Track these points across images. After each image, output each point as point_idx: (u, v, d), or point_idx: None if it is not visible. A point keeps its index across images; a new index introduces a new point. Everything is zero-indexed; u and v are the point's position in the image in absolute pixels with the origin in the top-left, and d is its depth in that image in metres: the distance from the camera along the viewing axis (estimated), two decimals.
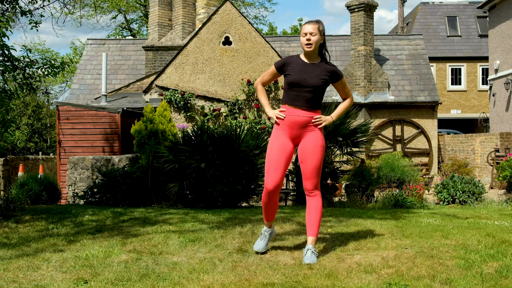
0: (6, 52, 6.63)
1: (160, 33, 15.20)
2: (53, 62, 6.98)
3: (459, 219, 5.72)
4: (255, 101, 13.14)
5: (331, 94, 16.12)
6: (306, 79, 3.79)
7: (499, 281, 3.14)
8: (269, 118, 13.10)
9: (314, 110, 3.86)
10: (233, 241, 4.41)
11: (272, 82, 12.95)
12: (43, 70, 6.90)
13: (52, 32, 71.36)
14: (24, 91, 7.04)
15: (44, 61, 6.98)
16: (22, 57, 7.01)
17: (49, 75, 6.93)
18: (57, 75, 7.10)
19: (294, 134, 3.87)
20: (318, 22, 3.86)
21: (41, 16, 7.54)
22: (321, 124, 3.85)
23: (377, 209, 7.11)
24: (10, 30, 6.68)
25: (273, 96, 13.11)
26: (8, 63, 6.68)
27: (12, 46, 6.78)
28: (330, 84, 3.92)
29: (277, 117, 3.88)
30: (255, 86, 4.11)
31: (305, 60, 3.89)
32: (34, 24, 7.14)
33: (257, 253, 3.93)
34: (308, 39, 3.79)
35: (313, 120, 3.83)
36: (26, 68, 6.99)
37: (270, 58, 13.17)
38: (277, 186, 3.82)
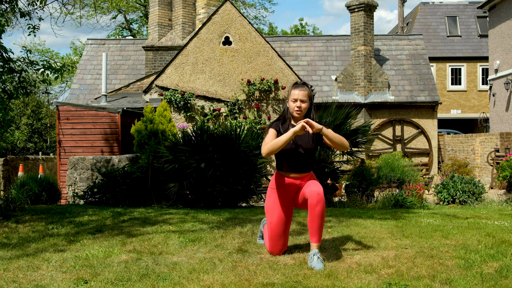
0: (4, 54, 6.61)
1: (160, 33, 15.20)
2: (53, 65, 6.92)
3: (459, 219, 5.72)
4: (255, 101, 13.15)
5: (331, 94, 16.12)
6: (301, 145, 3.86)
7: (499, 281, 3.14)
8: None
9: (308, 172, 3.95)
10: (233, 241, 4.41)
11: (272, 83, 12.97)
12: (42, 70, 6.86)
13: (52, 32, 71.32)
14: (19, 94, 6.99)
15: (43, 62, 6.93)
16: (22, 58, 6.98)
17: (50, 75, 6.88)
18: (58, 78, 7.06)
19: (291, 195, 3.99)
20: (307, 87, 3.93)
21: (40, 19, 7.49)
22: (312, 123, 3.68)
23: (377, 209, 7.11)
24: (4, 29, 6.60)
25: (273, 96, 13.11)
26: (6, 66, 6.65)
27: (10, 49, 6.75)
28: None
29: (302, 127, 3.69)
30: (269, 150, 3.76)
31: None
32: (33, 29, 7.08)
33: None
34: (299, 107, 3.87)
35: (305, 121, 3.70)
36: (22, 72, 6.94)
37: (270, 58, 13.17)
38: (282, 251, 4.01)
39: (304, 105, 3.88)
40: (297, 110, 3.88)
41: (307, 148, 3.88)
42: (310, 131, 3.71)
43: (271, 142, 3.78)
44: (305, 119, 3.72)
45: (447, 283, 3.13)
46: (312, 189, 3.75)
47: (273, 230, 3.93)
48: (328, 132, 3.81)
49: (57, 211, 6.48)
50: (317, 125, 3.72)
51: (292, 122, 3.98)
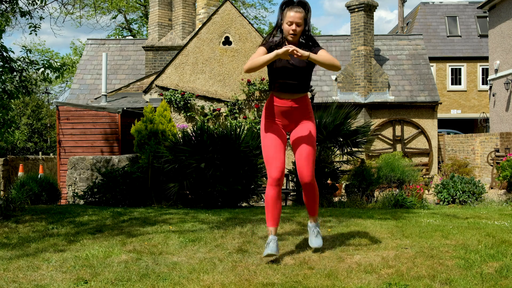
0: (5, 53, 6.61)
1: (160, 33, 15.20)
2: (53, 64, 6.92)
3: (459, 219, 5.72)
4: (255, 101, 13.15)
5: (331, 94, 16.11)
6: (293, 64, 3.73)
7: (499, 281, 3.14)
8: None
9: (302, 95, 3.85)
10: (233, 241, 4.41)
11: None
12: (42, 69, 6.86)
13: (52, 32, 71.25)
14: (20, 94, 7.00)
15: (44, 61, 6.94)
16: (22, 58, 6.98)
17: (50, 74, 6.88)
18: (58, 78, 7.05)
19: (285, 122, 3.89)
20: (303, 8, 3.74)
21: (41, 18, 7.50)
22: (297, 51, 3.54)
23: (377, 209, 7.11)
24: (3, 29, 6.61)
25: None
26: (6, 65, 6.65)
27: (10, 48, 6.75)
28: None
29: (285, 52, 3.55)
30: (249, 66, 3.66)
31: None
32: (34, 28, 7.08)
33: (270, 255, 3.67)
34: (294, 30, 3.73)
35: (292, 49, 3.55)
36: (23, 71, 6.95)
37: None
38: (281, 173, 3.80)
39: (299, 29, 3.73)
40: (291, 34, 3.74)
41: (300, 66, 3.74)
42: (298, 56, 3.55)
43: (253, 59, 3.64)
44: (292, 48, 3.52)
45: (447, 283, 3.13)
46: (301, 165, 3.81)
47: (267, 152, 3.85)
48: (316, 57, 3.64)
49: (57, 211, 6.48)
50: (304, 53, 3.55)
51: (286, 44, 3.82)
